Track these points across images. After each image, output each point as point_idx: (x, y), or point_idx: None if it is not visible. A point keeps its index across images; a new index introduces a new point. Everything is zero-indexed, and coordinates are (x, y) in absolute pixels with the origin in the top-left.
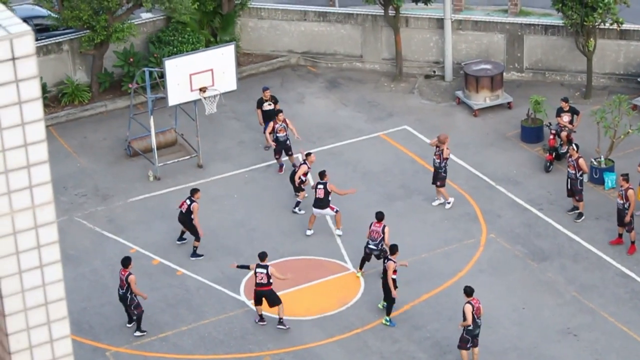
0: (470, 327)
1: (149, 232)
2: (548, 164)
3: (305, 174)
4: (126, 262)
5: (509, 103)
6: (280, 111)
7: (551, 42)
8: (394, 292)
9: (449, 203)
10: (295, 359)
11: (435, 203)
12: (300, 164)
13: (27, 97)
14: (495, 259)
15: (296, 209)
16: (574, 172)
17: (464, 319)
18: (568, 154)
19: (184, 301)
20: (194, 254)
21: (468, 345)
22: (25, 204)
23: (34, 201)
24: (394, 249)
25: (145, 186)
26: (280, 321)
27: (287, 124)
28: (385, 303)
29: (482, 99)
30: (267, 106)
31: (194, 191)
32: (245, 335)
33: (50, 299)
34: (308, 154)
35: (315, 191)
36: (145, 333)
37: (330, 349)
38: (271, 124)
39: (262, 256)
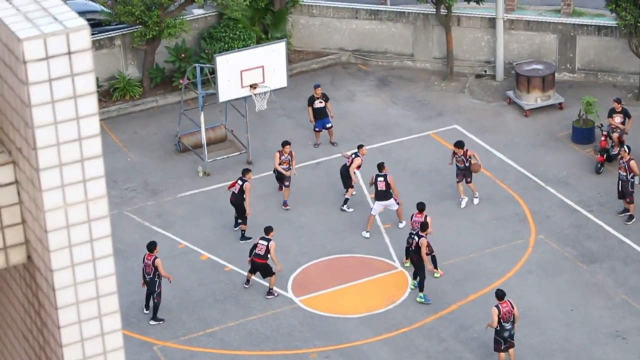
0: (498, 329)
1: (197, 227)
2: (599, 165)
3: (358, 167)
4: (151, 246)
5: (560, 104)
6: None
7: (604, 42)
8: (430, 266)
9: (476, 197)
10: (342, 357)
11: (464, 204)
12: (353, 157)
13: (82, 91)
14: (544, 260)
15: (344, 207)
16: (625, 174)
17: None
18: (619, 156)
19: (231, 297)
20: (243, 237)
21: (502, 347)
22: (78, 197)
23: (87, 195)
24: (424, 226)
25: (194, 182)
26: (270, 291)
27: (291, 157)
28: (416, 282)
29: (533, 99)
30: (318, 104)
31: (246, 171)
32: (292, 332)
33: (102, 293)
34: (360, 146)
35: (376, 184)
36: (161, 322)
37: (377, 347)
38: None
39: (267, 230)
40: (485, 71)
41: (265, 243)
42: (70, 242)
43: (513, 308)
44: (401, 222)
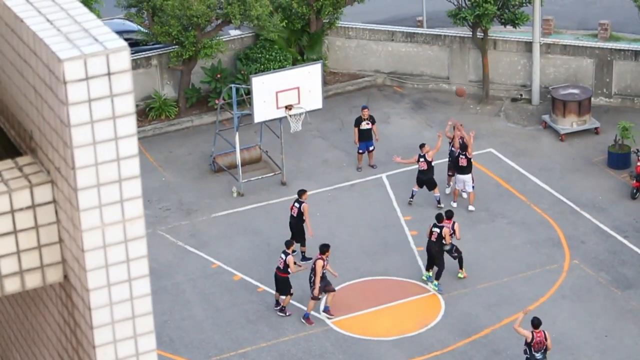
0: (528, 357)
1: (231, 247)
2: (635, 190)
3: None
4: (324, 249)
5: (596, 128)
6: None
7: None
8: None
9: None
10: None
11: (448, 191)
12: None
13: (121, 112)
14: (578, 286)
15: (440, 205)
16: None
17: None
18: None
19: (263, 317)
20: (304, 259)
21: None
22: (116, 217)
23: (124, 215)
24: (440, 217)
25: (228, 202)
26: (282, 309)
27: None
28: (429, 274)
29: (569, 123)
30: (365, 125)
31: (302, 192)
32: (324, 354)
33: (137, 313)
34: (422, 145)
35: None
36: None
37: None
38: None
39: (288, 244)
40: (521, 95)
41: (284, 257)
42: (107, 262)
43: (546, 340)
44: (471, 205)
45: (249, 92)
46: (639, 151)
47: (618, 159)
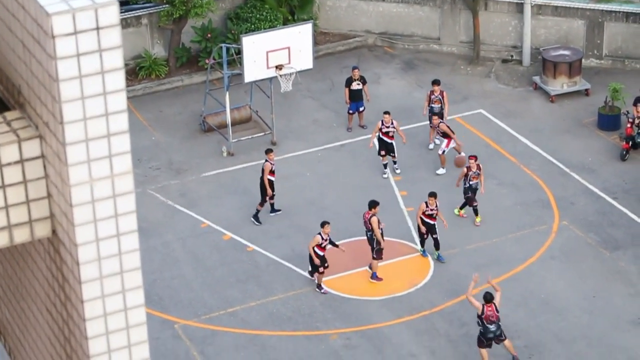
0: (482, 330)
1: (220, 207)
2: (624, 152)
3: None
4: (373, 204)
5: (586, 90)
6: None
7: (632, 29)
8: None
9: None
10: (363, 339)
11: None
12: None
13: (109, 66)
14: (567, 246)
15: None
16: None
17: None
18: None
19: (253, 277)
20: (255, 216)
21: (484, 345)
22: (104, 172)
23: (113, 170)
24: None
25: (218, 162)
26: (319, 285)
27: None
28: (423, 249)
29: (559, 85)
30: (356, 85)
31: (266, 151)
32: (313, 313)
33: (125, 268)
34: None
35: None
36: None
37: (398, 330)
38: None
39: (322, 224)
40: (512, 56)
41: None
42: (95, 217)
43: (497, 312)
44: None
45: (239, 52)
46: (629, 113)
47: (608, 121)
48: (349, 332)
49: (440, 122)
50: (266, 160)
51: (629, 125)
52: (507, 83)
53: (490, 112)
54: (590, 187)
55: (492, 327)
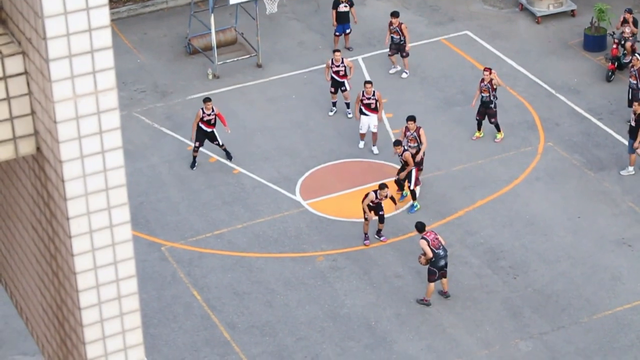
0: (433, 259)
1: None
2: (610, 73)
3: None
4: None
5: (572, 11)
6: (369, 82)
7: None
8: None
9: (406, 72)
10: (349, 260)
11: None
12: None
13: None
14: (552, 167)
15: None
16: (635, 82)
17: (424, 253)
18: (631, 64)
19: (239, 199)
20: (193, 164)
21: (435, 278)
22: (88, 89)
23: (97, 86)
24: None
25: (204, 84)
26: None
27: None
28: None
29: (545, 5)
30: (343, 7)
31: (204, 100)
32: (299, 235)
33: (111, 185)
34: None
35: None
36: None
37: (384, 251)
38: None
39: (381, 186)
40: None
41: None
42: (80, 134)
43: (438, 235)
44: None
45: None
46: (615, 33)
47: (594, 42)
48: (335, 254)
49: (405, 150)
50: (201, 109)
51: (614, 46)
52: (492, 4)
53: (476, 33)
54: (576, 108)
55: (441, 252)
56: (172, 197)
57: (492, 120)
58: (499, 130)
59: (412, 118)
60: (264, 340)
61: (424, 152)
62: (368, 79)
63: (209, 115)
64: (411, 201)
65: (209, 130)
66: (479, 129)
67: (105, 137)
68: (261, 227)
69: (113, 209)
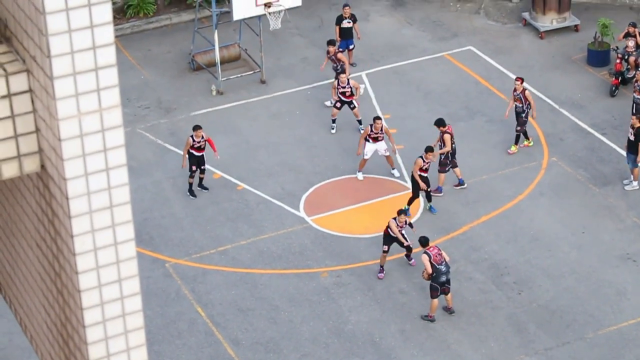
0: (434, 275)
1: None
2: (613, 88)
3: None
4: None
5: (576, 26)
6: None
7: None
8: (422, 185)
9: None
10: (353, 276)
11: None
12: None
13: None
14: (556, 183)
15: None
16: (639, 96)
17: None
18: (634, 79)
19: (243, 216)
20: (190, 190)
21: (438, 294)
22: (92, 106)
23: (101, 104)
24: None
25: (207, 100)
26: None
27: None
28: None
29: (549, 20)
30: (346, 23)
31: (194, 128)
32: (303, 251)
33: (115, 202)
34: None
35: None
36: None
37: (388, 267)
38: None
39: (400, 212)
40: None
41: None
42: (84, 151)
43: (441, 251)
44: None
45: None
46: (618, 48)
47: (597, 57)
48: (339, 270)
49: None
50: (191, 136)
51: (618, 60)
52: (496, 19)
53: (480, 48)
54: (580, 123)
55: (443, 268)
56: (176, 214)
57: (519, 129)
58: (517, 142)
59: (440, 123)
60: (268, 356)
61: (443, 155)
62: (378, 114)
63: (198, 142)
64: (429, 204)
65: (199, 154)
66: (526, 138)
67: (110, 155)
68: (265, 243)
69: (117, 227)
